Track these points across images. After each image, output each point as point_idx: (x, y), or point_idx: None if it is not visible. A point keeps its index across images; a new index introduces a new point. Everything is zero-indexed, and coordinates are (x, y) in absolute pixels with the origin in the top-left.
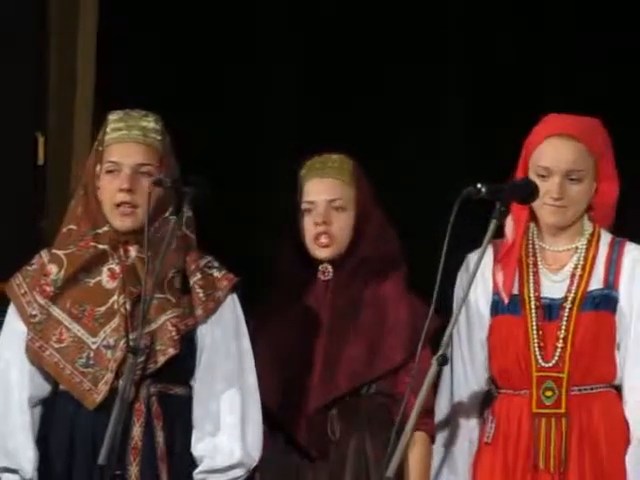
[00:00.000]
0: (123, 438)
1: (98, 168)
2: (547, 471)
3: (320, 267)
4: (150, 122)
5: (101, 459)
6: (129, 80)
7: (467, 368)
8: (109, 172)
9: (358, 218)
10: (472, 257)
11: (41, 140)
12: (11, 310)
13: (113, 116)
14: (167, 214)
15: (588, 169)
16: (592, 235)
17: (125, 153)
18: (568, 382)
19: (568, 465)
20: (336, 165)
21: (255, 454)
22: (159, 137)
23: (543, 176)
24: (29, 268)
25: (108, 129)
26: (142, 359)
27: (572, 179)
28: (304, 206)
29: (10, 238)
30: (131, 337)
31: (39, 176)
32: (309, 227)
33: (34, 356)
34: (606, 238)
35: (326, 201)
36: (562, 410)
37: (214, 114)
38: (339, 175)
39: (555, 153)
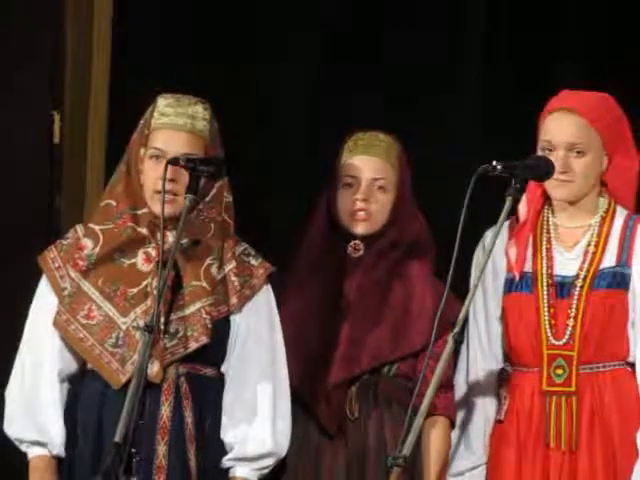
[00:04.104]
0: (151, 418)
1: (142, 151)
2: (558, 449)
3: (351, 243)
4: (199, 110)
5: (117, 437)
6: (145, 59)
7: (483, 345)
8: (153, 157)
9: (396, 202)
10: (488, 234)
11: (57, 118)
12: (43, 283)
13: (162, 100)
14: (207, 199)
15: (591, 142)
16: (606, 212)
17: (171, 141)
18: (578, 360)
19: (579, 444)
20: (384, 145)
21: (285, 444)
22: (207, 125)
23: (549, 150)
24: (64, 242)
25: (156, 113)
26: (173, 343)
27: (574, 152)
28: (345, 179)
29: (26, 216)
30: (162, 320)
31: (55, 154)
32: (347, 201)
33: (60, 328)
34: (621, 215)
35: (370, 179)
36: (572, 388)
37: (232, 90)
38: (386, 156)
39: (556, 127)
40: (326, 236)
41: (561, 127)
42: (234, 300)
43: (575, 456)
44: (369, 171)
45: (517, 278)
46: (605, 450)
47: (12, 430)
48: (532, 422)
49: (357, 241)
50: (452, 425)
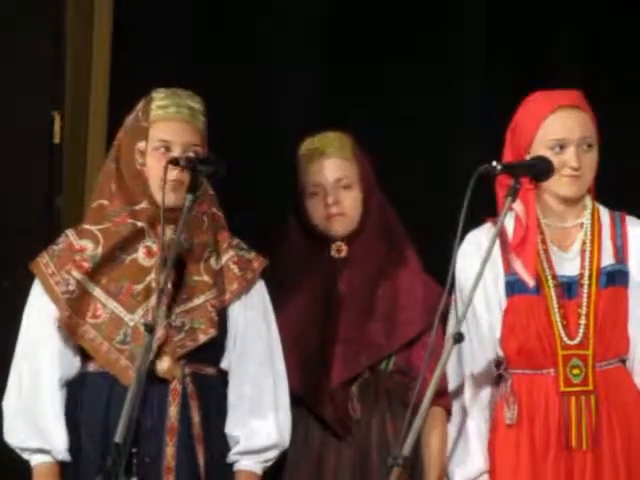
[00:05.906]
0: (159, 419)
1: (143, 145)
2: (579, 449)
3: (334, 245)
4: (197, 103)
5: (117, 437)
6: (145, 59)
7: (475, 348)
8: (159, 149)
9: (364, 195)
10: (472, 236)
11: (57, 119)
12: (37, 290)
13: (159, 94)
14: (197, 194)
15: (595, 136)
16: (593, 209)
17: (176, 132)
18: (594, 359)
19: (600, 441)
20: (336, 143)
21: (287, 436)
22: (203, 119)
23: (560, 148)
24: (55, 247)
25: (154, 106)
26: (180, 337)
27: (584, 146)
28: (310, 189)
29: (26, 216)
30: (170, 316)
31: (55, 154)
32: (319, 209)
33: (70, 332)
34: (605, 212)
35: (333, 181)
36: (590, 387)
37: (232, 90)
38: (341, 153)
39: (566, 124)
40: (308, 245)
41: (572, 123)
42: (235, 286)
43: (598, 454)
44: (329, 173)
45: (532, 284)
46: (624, 446)
47: (14, 439)
48: (550, 424)
49: (339, 242)
50: (449, 414)
